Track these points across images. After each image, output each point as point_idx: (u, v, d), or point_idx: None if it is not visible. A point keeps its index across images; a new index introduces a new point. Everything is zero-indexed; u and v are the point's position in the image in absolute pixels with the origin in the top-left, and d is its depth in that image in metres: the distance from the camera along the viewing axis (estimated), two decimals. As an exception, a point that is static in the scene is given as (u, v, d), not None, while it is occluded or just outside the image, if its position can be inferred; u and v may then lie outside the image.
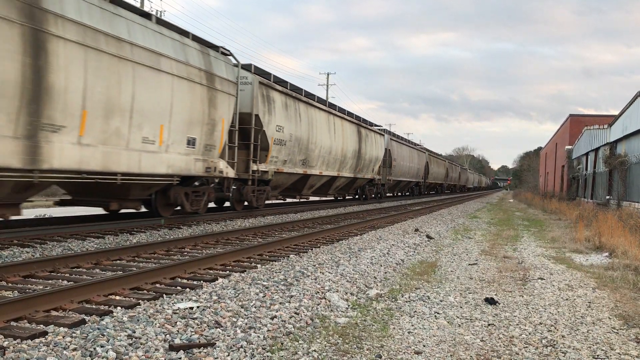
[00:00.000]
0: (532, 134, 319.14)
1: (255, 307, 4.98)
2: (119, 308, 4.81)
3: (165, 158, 10.80)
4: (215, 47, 12.86)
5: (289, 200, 21.38)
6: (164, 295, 5.35)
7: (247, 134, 15.15)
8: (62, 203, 11.20)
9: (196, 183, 13.03)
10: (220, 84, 12.56)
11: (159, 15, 12.61)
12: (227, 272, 6.81)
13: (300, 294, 5.64)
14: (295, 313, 4.94)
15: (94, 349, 3.66)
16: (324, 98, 29.85)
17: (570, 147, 39.89)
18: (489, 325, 5.06)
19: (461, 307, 5.71)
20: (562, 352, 4.31)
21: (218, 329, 4.28)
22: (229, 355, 3.77)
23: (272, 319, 4.69)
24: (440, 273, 7.76)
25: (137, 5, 10.10)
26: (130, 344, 3.81)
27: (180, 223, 12.18)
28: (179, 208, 12.61)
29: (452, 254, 9.77)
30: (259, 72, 16.48)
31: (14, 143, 7.50)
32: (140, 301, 5.06)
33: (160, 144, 10.60)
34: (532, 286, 7.01)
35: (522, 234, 14.75)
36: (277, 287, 5.88)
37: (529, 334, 4.82)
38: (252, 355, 3.83)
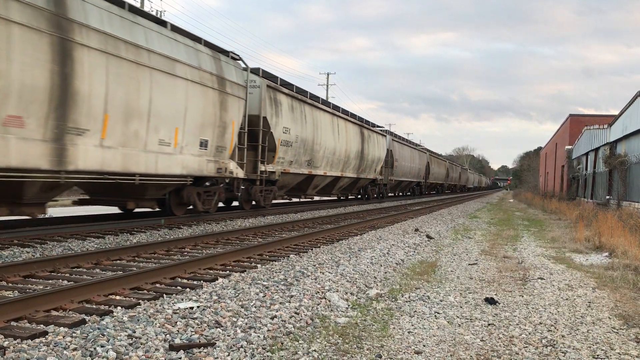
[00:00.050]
0: (532, 134, 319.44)
1: (255, 307, 4.99)
2: (119, 308, 4.81)
3: (179, 159, 11.23)
4: (225, 52, 13.31)
5: (294, 200, 21.74)
6: (164, 295, 5.35)
7: (255, 136, 15.46)
8: (80, 202, 11.75)
9: (207, 183, 13.43)
10: (231, 87, 12.98)
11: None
12: (227, 272, 6.81)
13: (300, 293, 5.64)
14: (296, 313, 4.94)
15: (94, 348, 3.66)
16: (324, 98, 29.88)
17: (570, 147, 39.89)
18: (489, 325, 5.06)
19: (461, 307, 5.71)
20: (562, 352, 4.31)
21: (218, 329, 4.29)
22: (229, 355, 3.78)
23: (272, 318, 4.69)
24: (440, 273, 7.76)
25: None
26: (130, 344, 3.82)
27: (181, 223, 12.20)
28: (191, 207, 13.01)
29: (452, 254, 9.78)
30: (267, 75, 16.81)
31: (43, 146, 7.96)
32: (140, 301, 5.06)
33: (175, 145, 11.04)
34: (532, 286, 7.02)
35: (522, 233, 14.76)
36: (277, 287, 5.88)
37: (529, 333, 4.82)
38: (252, 355, 3.83)
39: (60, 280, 6.00)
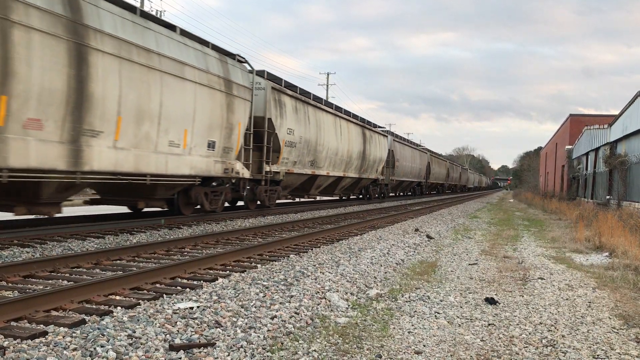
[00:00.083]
0: (532, 134, 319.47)
1: (255, 307, 4.99)
2: (119, 308, 4.81)
3: (188, 160, 11.47)
4: (232, 55, 13.57)
5: (297, 200, 21.95)
6: (164, 295, 5.35)
7: (260, 137, 15.64)
8: (91, 202, 12.01)
9: (214, 183, 13.64)
10: (237, 90, 13.23)
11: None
12: (227, 272, 6.81)
13: (300, 293, 5.64)
14: (296, 313, 4.94)
15: (94, 349, 3.66)
16: (325, 98, 29.90)
17: (570, 147, 39.88)
18: (489, 325, 5.06)
19: (461, 307, 5.71)
20: (562, 352, 4.31)
21: (218, 329, 4.28)
22: (229, 355, 3.77)
23: (272, 318, 4.69)
24: (441, 273, 7.76)
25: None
26: (130, 344, 3.82)
27: (181, 223, 12.20)
28: (198, 207, 13.23)
29: (452, 254, 9.77)
30: (271, 77, 17.01)
31: (60, 147, 8.21)
32: (140, 301, 5.06)
33: (184, 147, 11.30)
34: (532, 286, 7.01)
35: (522, 233, 14.75)
36: (277, 287, 5.88)
37: (529, 333, 4.82)
38: (252, 355, 3.83)
39: (60, 280, 6.00)
